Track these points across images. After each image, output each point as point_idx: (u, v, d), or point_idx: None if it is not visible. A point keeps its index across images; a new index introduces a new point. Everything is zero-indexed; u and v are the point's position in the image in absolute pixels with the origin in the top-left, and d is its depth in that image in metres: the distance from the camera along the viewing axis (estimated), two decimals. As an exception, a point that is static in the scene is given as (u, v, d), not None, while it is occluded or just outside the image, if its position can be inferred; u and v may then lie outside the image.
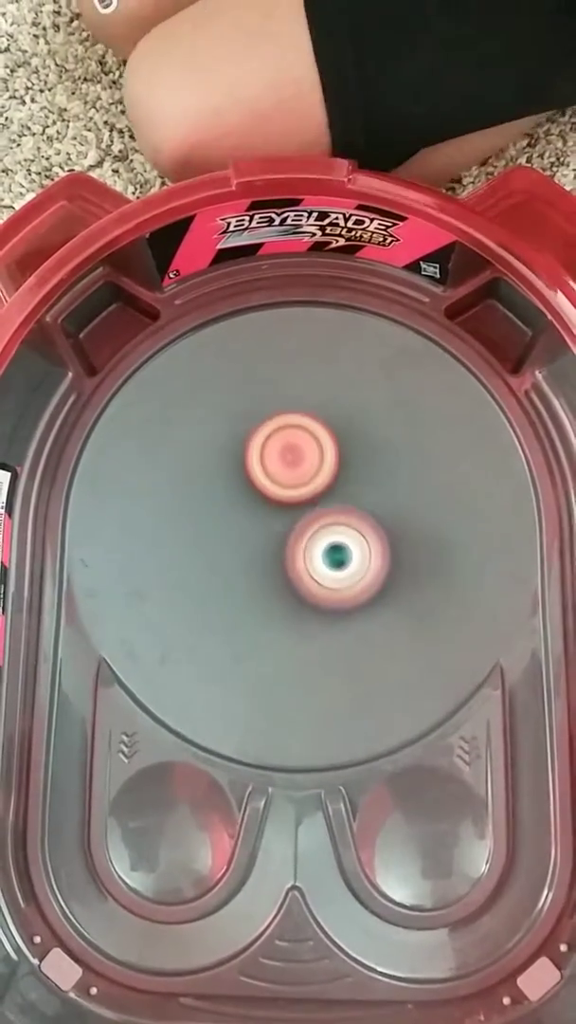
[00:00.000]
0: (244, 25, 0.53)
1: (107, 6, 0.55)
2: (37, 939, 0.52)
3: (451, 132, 0.56)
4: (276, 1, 0.52)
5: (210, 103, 0.52)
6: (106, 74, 0.66)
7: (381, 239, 0.54)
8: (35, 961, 0.52)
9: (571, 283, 0.49)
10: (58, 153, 0.64)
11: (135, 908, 0.52)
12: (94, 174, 0.64)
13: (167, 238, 0.53)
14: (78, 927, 0.52)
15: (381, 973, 0.52)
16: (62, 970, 0.52)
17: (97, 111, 0.66)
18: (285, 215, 0.53)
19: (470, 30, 0.51)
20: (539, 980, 0.51)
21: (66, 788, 0.53)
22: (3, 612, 0.53)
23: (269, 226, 0.54)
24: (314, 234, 0.55)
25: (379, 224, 0.53)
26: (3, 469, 0.54)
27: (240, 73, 0.52)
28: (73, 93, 0.65)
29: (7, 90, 0.65)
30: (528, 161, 0.63)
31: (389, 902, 0.52)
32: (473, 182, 0.63)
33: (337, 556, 0.52)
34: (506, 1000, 0.51)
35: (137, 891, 0.53)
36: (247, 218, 0.53)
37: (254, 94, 0.52)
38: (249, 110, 0.52)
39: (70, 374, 0.56)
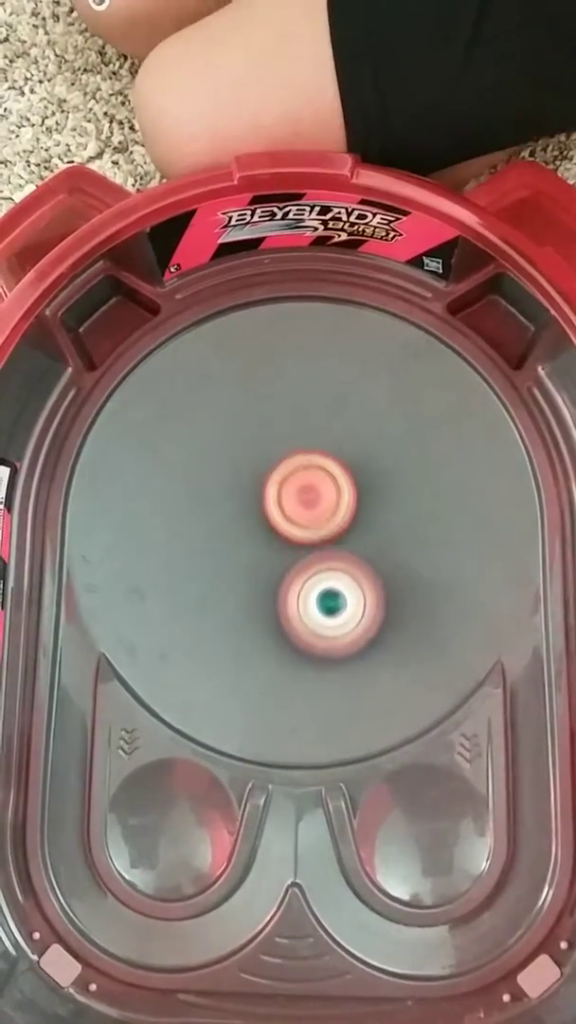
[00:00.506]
0: (262, 46, 0.50)
1: (100, 3, 0.53)
2: (36, 935, 0.51)
3: (470, 156, 0.54)
4: (294, 21, 0.50)
5: (229, 131, 0.49)
6: (106, 65, 0.63)
7: (384, 234, 0.52)
8: (34, 957, 0.51)
9: (574, 278, 0.46)
10: (57, 144, 0.62)
11: (135, 904, 0.51)
12: (94, 166, 0.62)
13: (168, 232, 0.51)
14: (77, 923, 0.51)
15: (381, 970, 0.51)
16: (61, 966, 0.50)
17: (97, 102, 0.63)
18: (287, 209, 0.51)
19: (499, 58, 0.48)
20: (539, 977, 0.50)
21: (66, 784, 0.52)
22: (2, 607, 0.52)
23: (271, 220, 0.52)
24: (316, 228, 0.53)
25: (382, 219, 0.51)
26: (2, 464, 0.53)
27: (259, 102, 0.49)
28: (73, 84, 0.63)
29: (6, 80, 0.63)
30: (531, 155, 0.60)
31: (389, 899, 0.51)
32: (476, 177, 0.60)
33: (330, 603, 0.50)
34: (506, 997, 0.50)
35: (137, 887, 0.51)
36: (249, 212, 0.51)
37: (272, 123, 0.50)
38: (268, 139, 0.50)
39: (70, 369, 0.55)
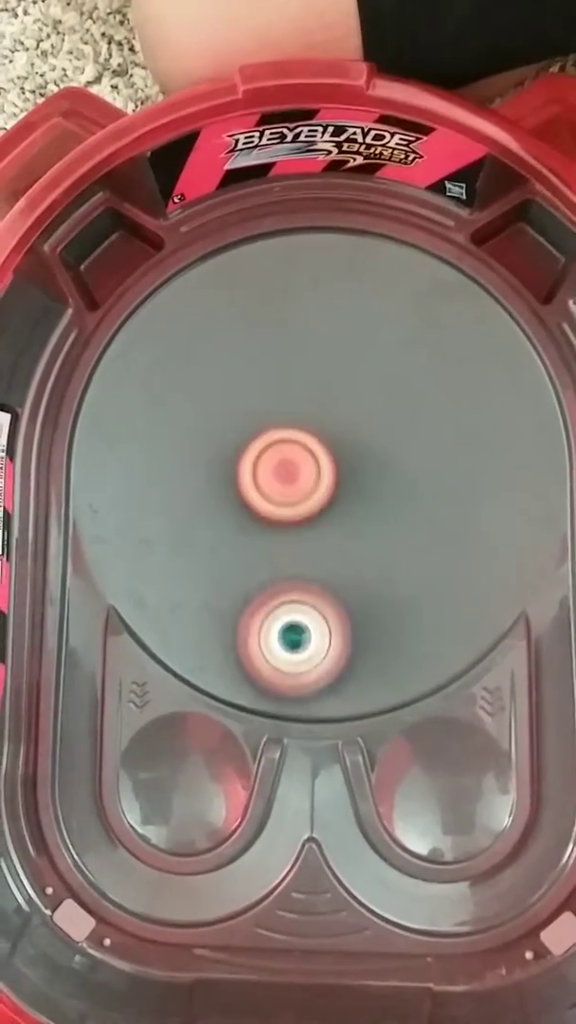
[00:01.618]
0: None
1: None
2: (49, 890, 0.48)
3: (498, 71, 0.47)
4: None
5: (236, 43, 0.43)
6: (102, -21, 0.54)
7: (403, 156, 0.45)
8: (47, 912, 0.47)
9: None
10: (53, 69, 0.55)
11: (148, 859, 0.48)
12: (92, 91, 0.54)
13: (170, 157, 0.45)
14: (91, 878, 0.48)
15: (400, 926, 0.47)
16: (75, 921, 0.47)
17: (94, 22, 0.56)
18: (298, 130, 0.45)
19: None
20: (563, 935, 0.46)
21: (76, 738, 0.48)
22: (7, 559, 0.48)
23: (281, 143, 0.46)
24: (330, 152, 0.47)
25: (401, 139, 0.44)
26: (3, 411, 0.48)
27: (271, 15, 0.43)
28: (68, 4, 0.56)
29: (-3, 1, 0.54)
30: (562, 70, 0.52)
31: (408, 855, 0.47)
32: (501, 92, 0.51)
33: (293, 637, 0.46)
34: (528, 955, 0.46)
35: (150, 842, 0.48)
36: (257, 134, 0.45)
37: (282, 36, 0.43)
38: (277, 54, 0.43)
39: (70, 309, 0.49)
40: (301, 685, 0.46)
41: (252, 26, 0.44)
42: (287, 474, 0.46)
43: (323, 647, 0.45)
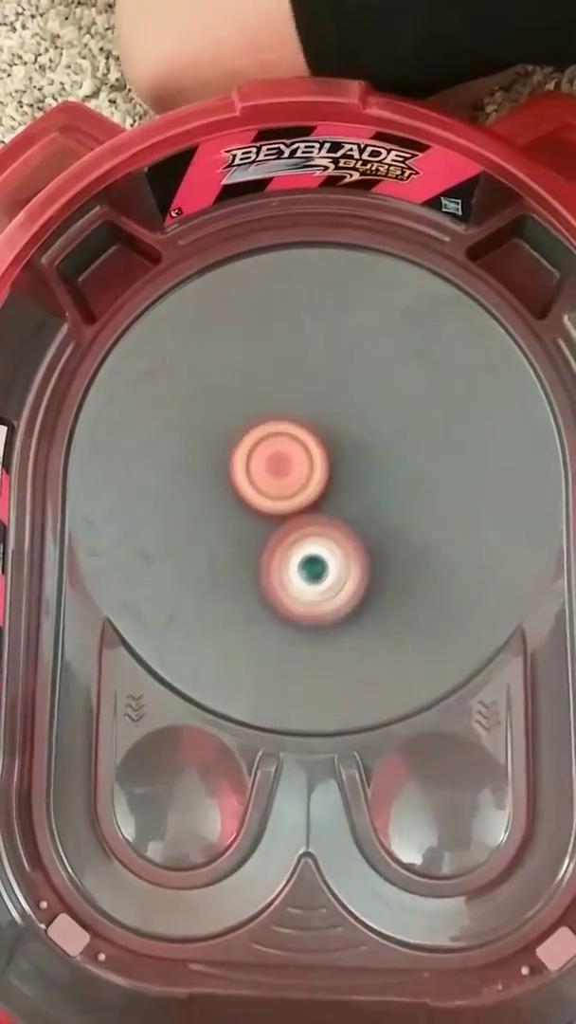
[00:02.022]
0: None
1: None
2: (43, 904, 0.47)
3: (452, 83, 0.46)
4: None
5: (187, 51, 0.45)
6: (101, -5, 0.55)
7: (399, 172, 0.45)
8: (42, 927, 0.47)
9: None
10: (51, 83, 0.55)
11: (143, 874, 0.48)
12: (90, 105, 0.55)
13: (167, 172, 0.46)
14: (85, 892, 0.48)
15: (395, 941, 0.47)
16: (69, 936, 0.47)
17: (92, 37, 0.56)
18: (295, 146, 0.45)
19: None
20: (559, 950, 0.46)
21: (71, 752, 0.48)
22: (3, 571, 0.48)
23: (278, 159, 0.46)
24: (326, 168, 0.47)
25: (397, 155, 0.45)
26: None
27: (217, 22, 0.45)
28: (67, 18, 0.56)
29: (-5, 15, 0.55)
30: (556, 87, 0.52)
31: (404, 869, 0.47)
32: (497, 109, 0.52)
33: (314, 568, 0.45)
34: (525, 970, 0.46)
35: (145, 856, 0.48)
36: (254, 150, 0.45)
37: (232, 47, 0.45)
38: (229, 65, 0.45)
39: (68, 322, 0.49)
40: (320, 615, 0.45)
41: (206, 42, 0.45)
42: (280, 468, 0.46)
43: (342, 578, 0.44)
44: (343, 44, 0.42)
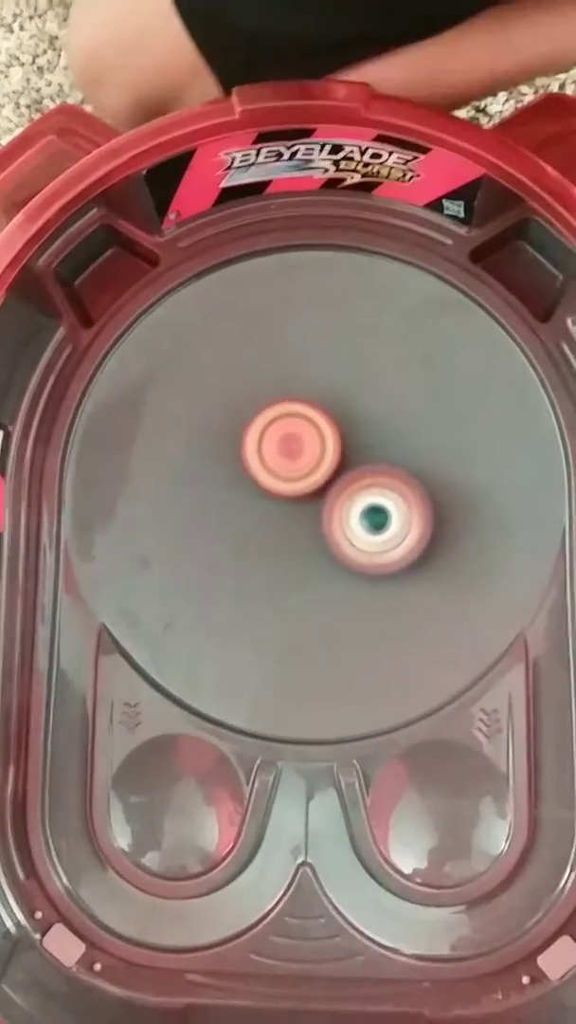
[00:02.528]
0: None
1: None
2: (38, 914, 0.47)
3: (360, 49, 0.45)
4: None
5: (94, 43, 0.46)
6: (98, -6, 0.54)
7: (400, 175, 0.45)
8: (37, 937, 0.47)
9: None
10: (49, 84, 0.55)
11: (140, 883, 0.47)
12: (88, 107, 0.53)
13: (165, 175, 0.45)
14: (81, 902, 0.48)
15: (395, 951, 0.47)
16: (65, 946, 0.47)
17: None
18: (295, 148, 0.45)
19: None
20: (560, 959, 0.46)
21: (67, 760, 0.48)
22: None
23: (277, 161, 0.46)
24: (327, 170, 0.47)
25: (398, 158, 0.44)
26: None
27: (113, 12, 0.46)
28: (65, 20, 0.56)
29: (-8, 15, 0.54)
30: (560, 88, 0.52)
31: (404, 879, 0.47)
32: (500, 110, 0.52)
33: (376, 519, 0.45)
34: (525, 979, 0.46)
35: (142, 866, 0.47)
36: (253, 152, 0.45)
37: (126, 32, 0.46)
38: (127, 48, 0.46)
39: (65, 325, 0.49)
40: (382, 564, 0.45)
41: (102, 28, 0.46)
42: (292, 449, 0.46)
43: (404, 529, 0.44)
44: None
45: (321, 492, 0.46)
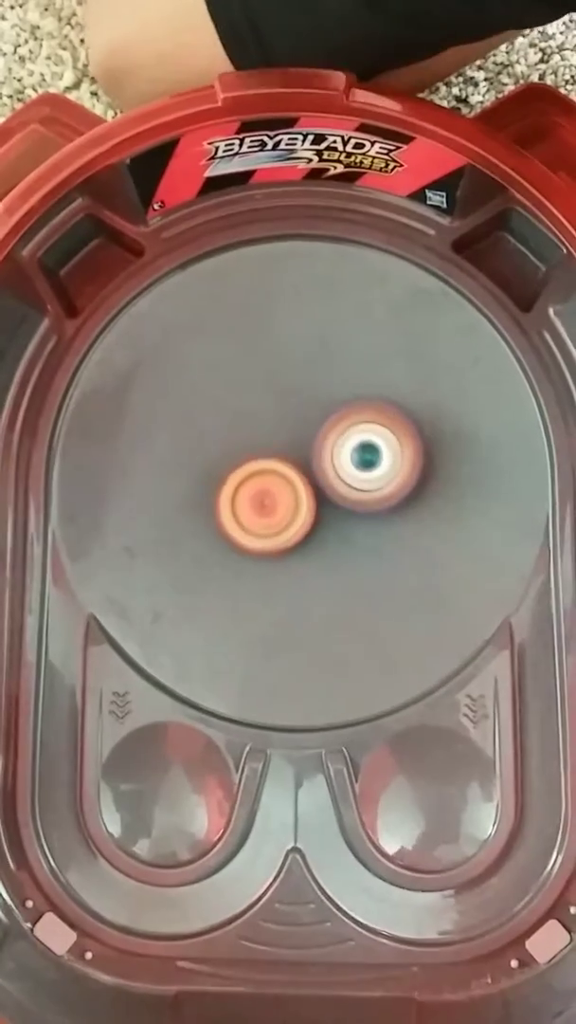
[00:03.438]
0: None
1: None
2: (29, 903, 0.47)
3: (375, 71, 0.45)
4: None
5: (122, 36, 0.46)
6: (80, -15, 0.55)
7: (383, 165, 0.45)
8: (28, 925, 0.47)
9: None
10: (31, 74, 0.55)
11: (130, 871, 0.48)
12: (71, 96, 0.55)
13: (149, 164, 0.45)
14: (72, 891, 0.48)
15: (385, 935, 0.47)
16: (56, 934, 0.47)
17: (73, 28, 0.56)
18: (278, 138, 0.45)
19: None
20: (548, 943, 0.46)
21: (56, 750, 0.48)
22: None
23: (261, 151, 0.46)
24: (310, 160, 0.47)
25: (381, 148, 0.44)
26: None
27: (143, 4, 0.45)
28: (46, 8, 0.55)
29: (-27, 4, 0.54)
30: (540, 78, 0.52)
31: (393, 864, 0.47)
32: (482, 101, 0.52)
33: (367, 456, 0.45)
34: (514, 963, 0.46)
35: (132, 854, 0.48)
36: (237, 142, 0.45)
37: (158, 33, 0.45)
38: (155, 48, 0.45)
39: (49, 316, 0.49)
40: (374, 500, 0.45)
41: (135, 25, 0.46)
42: (266, 506, 0.46)
43: (395, 466, 0.44)
44: (251, 22, 0.42)
45: (296, 548, 0.46)
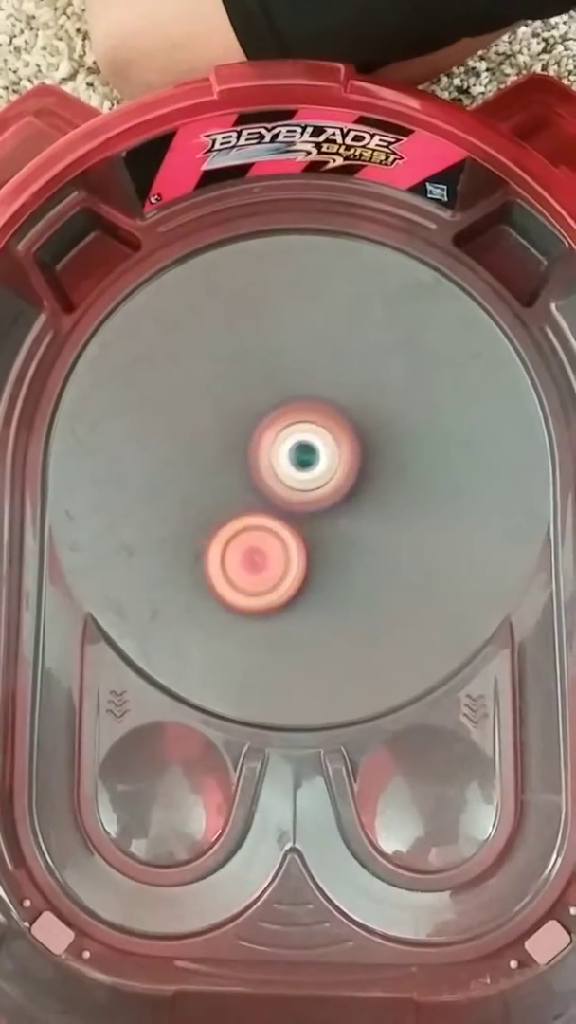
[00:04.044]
0: None
1: None
2: (27, 902, 0.47)
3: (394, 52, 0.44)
4: None
5: (130, 25, 0.45)
6: (76, -26, 0.54)
7: (383, 157, 0.44)
8: (25, 925, 0.47)
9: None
10: (27, 65, 0.54)
11: (128, 871, 0.47)
12: (67, 88, 0.54)
13: (146, 157, 0.45)
14: (69, 890, 0.47)
15: (383, 936, 0.47)
16: (53, 934, 0.47)
17: (68, 18, 0.55)
18: (276, 130, 0.44)
19: None
20: (548, 944, 0.46)
21: (54, 749, 0.48)
22: None
23: (259, 143, 0.45)
24: (309, 152, 0.46)
25: (380, 140, 0.44)
26: None
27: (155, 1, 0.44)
28: None
29: (-34, -6, 0.53)
30: (543, 69, 0.52)
31: (391, 864, 0.47)
32: (483, 92, 0.51)
33: (304, 456, 0.45)
34: (513, 964, 0.46)
35: (129, 853, 0.47)
36: (234, 134, 0.44)
37: (168, 21, 0.44)
38: (164, 37, 0.44)
39: (46, 311, 0.48)
40: (311, 501, 0.45)
41: (143, 12, 0.44)
42: (255, 563, 0.46)
43: (333, 466, 0.44)
44: (265, 11, 0.41)
45: (287, 605, 0.46)
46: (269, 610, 0.46)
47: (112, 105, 0.57)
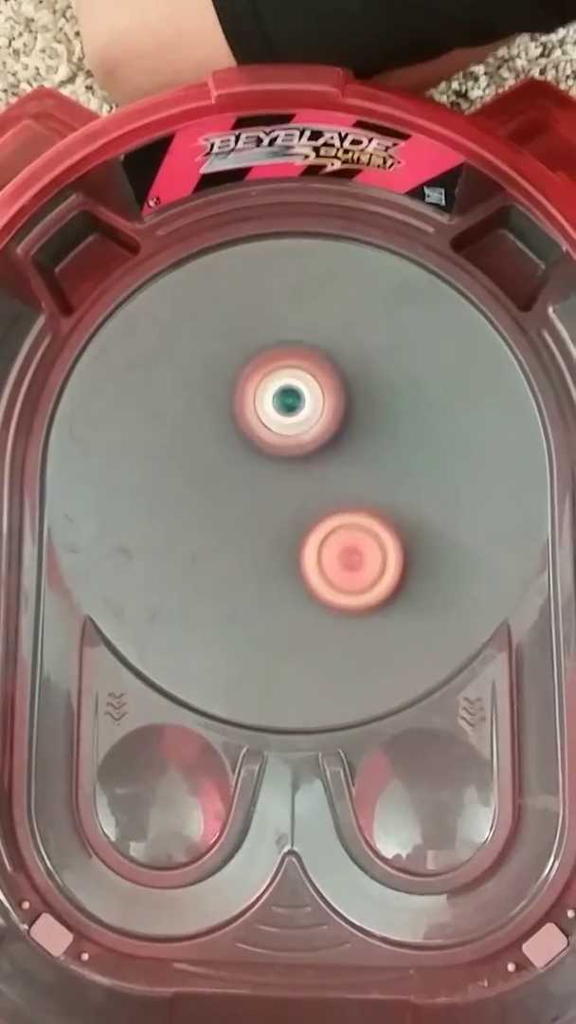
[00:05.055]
0: None
1: None
2: (25, 904, 0.47)
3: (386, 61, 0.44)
4: None
5: (119, 25, 0.44)
6: (75, -23, 0.54)
7: (381, 161, 0.44)
8: (24, 927, 0.47)
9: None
10: (25, 68, 0.54)
11: (127, 873, 0.47)
12: (66, 91, 0.54)
13: (144, 161, 0.45)
14: (68, 892, 0.47)
15: (381, 939, 0.47)
16: (52, 936, 0.47)
17: (67, 20, 0.56)
18: (275, 134, 0.45)
19: None
20: (545, 946, 0.46)
21: (52, 751, 0.48)
22: None
23: (257, 147, 0.46)
24: (307, 156, 0.46)
25: (378, 144, 0.44)
26: None
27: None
28: (41, 1, 0.55)
29: (-35, -3, 0.54)
30: (541, 73, 0.52)
31: (389, 867, 0.47)
32: (481, 95, 0.51)
33: (288, 400, 0.45)
34: (511, 966, 0.46)
35: (128, 856, 0.47)
36: (232, 138, 0.44)
37: (158, 21, 0.44)
38: (154, 37, 0.44)
39: (44, 313, 0.48)
40: (297, 445, 0.45)
41: (132, 11, 0.44)
42: (353, 562, 0.46)
43: (318, 409, 0.44)
44: (256, 14, 0.41)
45: (382, 606, 0.46)
46: (366, 610, 0.46)
47: (111, 108, 0.57)
